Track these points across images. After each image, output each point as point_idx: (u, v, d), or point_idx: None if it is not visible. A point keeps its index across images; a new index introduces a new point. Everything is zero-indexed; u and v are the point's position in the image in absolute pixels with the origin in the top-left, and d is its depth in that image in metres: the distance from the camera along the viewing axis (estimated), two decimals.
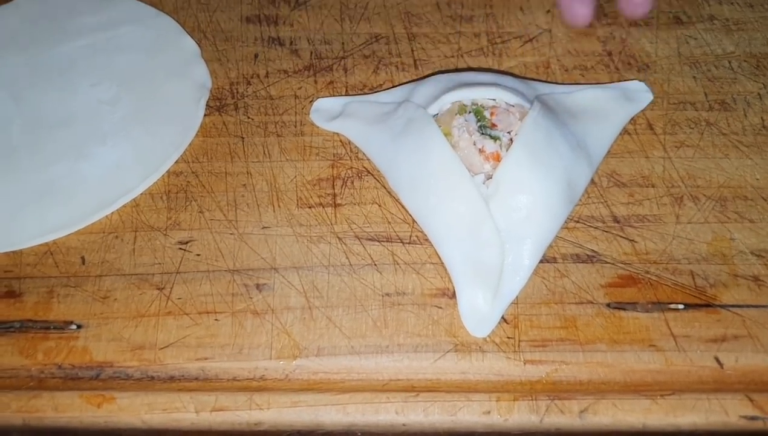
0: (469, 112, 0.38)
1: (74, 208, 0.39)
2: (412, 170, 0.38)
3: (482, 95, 0.38)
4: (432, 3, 0.49)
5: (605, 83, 0.44)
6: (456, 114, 0.38)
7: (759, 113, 0.43)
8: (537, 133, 0.37)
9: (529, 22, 0.47)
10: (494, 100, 0.38)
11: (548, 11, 0.48)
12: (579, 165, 0.38)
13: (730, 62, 0.45)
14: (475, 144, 0.37)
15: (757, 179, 0.40)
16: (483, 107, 0.38)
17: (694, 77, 0.44)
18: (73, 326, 0.36)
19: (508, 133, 0.37)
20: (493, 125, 0.37)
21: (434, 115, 0.39)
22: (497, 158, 0.36)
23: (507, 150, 0.36)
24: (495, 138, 0.37)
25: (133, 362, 0.35)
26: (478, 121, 0.37)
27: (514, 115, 0.37)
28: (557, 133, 0.38)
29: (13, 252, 0.38)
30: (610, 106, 0.42)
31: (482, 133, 0.37)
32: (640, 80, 0.44)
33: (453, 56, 0.46)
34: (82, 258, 0.38)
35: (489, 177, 0.36)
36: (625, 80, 0.44)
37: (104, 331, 0.36)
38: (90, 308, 0.36)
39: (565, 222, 0.38)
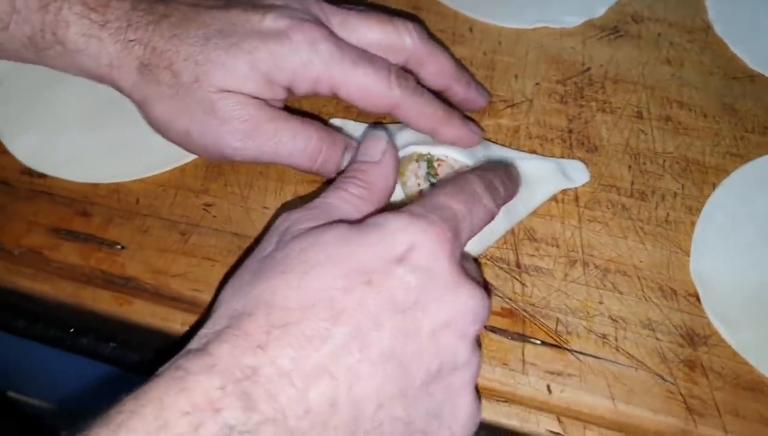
0: (423, 160, 0.50)
1: (141, 163, 0.54)
2: None
3: (438, 152, 0.50)
4: None
5: (554, 157, 0.55)
6: (414, 160, 0.50)
7: (667, 209, 0.52)
8: None
9: (517, 90, 0.58)
10: (446, 156, 0.50)
11: (537, 84, 0.59)
12: (497, 220, 0.49)
13: (664, 161, 0.55)
14: (418, 185, 0.49)
15: (641, 262, 0.50)
16: (434, 159, 0.50)
17: (629, 166, 0.54)
18: (119, 247, 0.51)
19: None
20: (437, 174, 0.49)
21: (402, 157, 0.51)
22: None
23: None
24: (433, 184, 0.49)
25: (151, 281, 0.50)
26: (428, 169, 0.50)
27: (455, 171, 0.49)
28: None
29: (94, 184, 0.54)
30: (547, 178, 0.52)
31: (426, 179, 0.49)
32: (584, 161, 0.54)
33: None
34: (137, 199, 0.53)
35: None
36: (572, 157, 0.55)
37: (138, 255, 0.51)
38: (134, 236, 0.51)
39: (479, 257, 0.50)
